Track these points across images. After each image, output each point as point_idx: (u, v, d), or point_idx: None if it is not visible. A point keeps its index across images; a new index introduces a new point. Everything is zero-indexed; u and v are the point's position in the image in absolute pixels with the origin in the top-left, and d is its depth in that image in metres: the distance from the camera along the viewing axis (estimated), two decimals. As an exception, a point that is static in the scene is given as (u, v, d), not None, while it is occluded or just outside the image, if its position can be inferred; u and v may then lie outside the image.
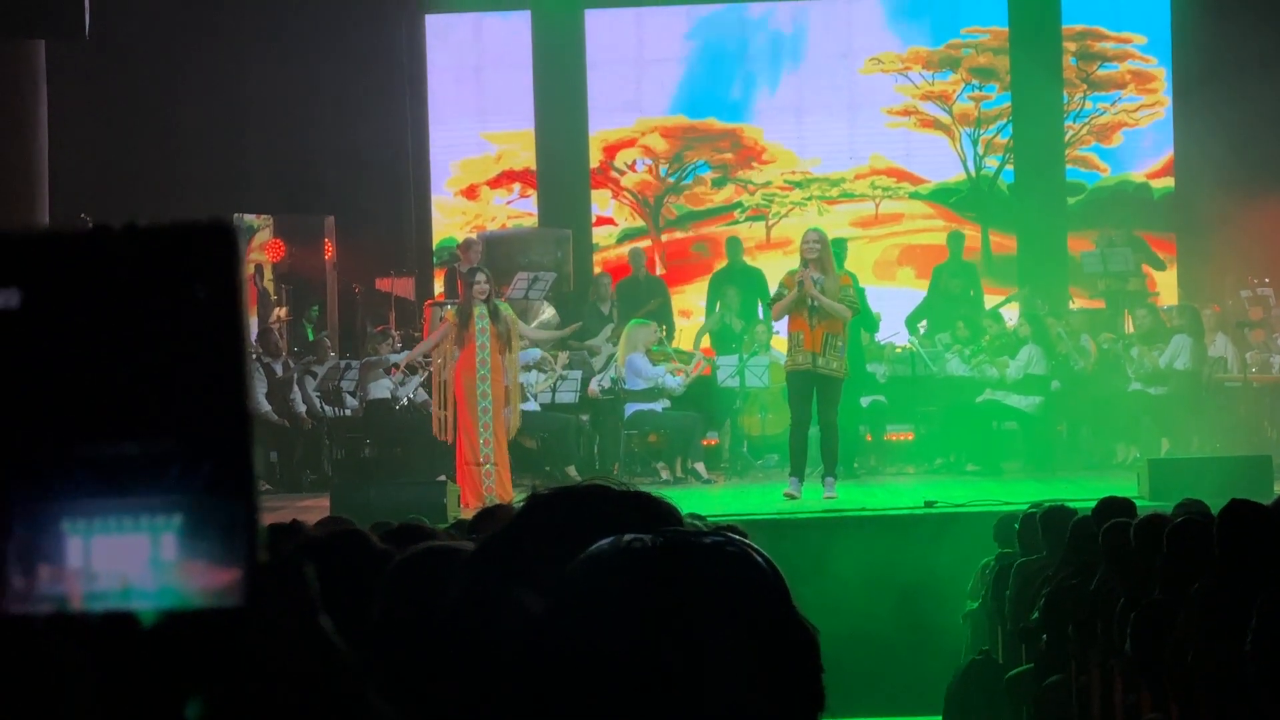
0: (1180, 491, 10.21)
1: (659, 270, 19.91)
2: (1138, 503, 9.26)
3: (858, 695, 10.17)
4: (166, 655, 1.19)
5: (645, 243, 20.18)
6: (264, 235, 19.16)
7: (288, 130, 19.47)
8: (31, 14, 13.91)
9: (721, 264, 18.91)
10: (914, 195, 20.59)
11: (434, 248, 20.67)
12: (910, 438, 16.88)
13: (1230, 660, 5.91)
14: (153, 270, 1.18)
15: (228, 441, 1.18)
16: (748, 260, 19.00)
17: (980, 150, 20.56)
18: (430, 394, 16.14)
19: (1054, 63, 20.38)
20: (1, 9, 13.73)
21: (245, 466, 1.18)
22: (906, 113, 20.60)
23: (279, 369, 16.84)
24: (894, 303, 18.04)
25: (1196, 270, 19.58)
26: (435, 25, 20.81)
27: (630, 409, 15.82)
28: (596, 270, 19.73)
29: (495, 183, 20.87)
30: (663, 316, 17.54)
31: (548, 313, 17.64)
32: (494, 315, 13.69)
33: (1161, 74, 20.45)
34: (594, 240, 20.64)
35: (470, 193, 20.88)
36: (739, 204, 20.73)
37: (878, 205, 20.63)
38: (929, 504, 12.88)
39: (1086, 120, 20.51)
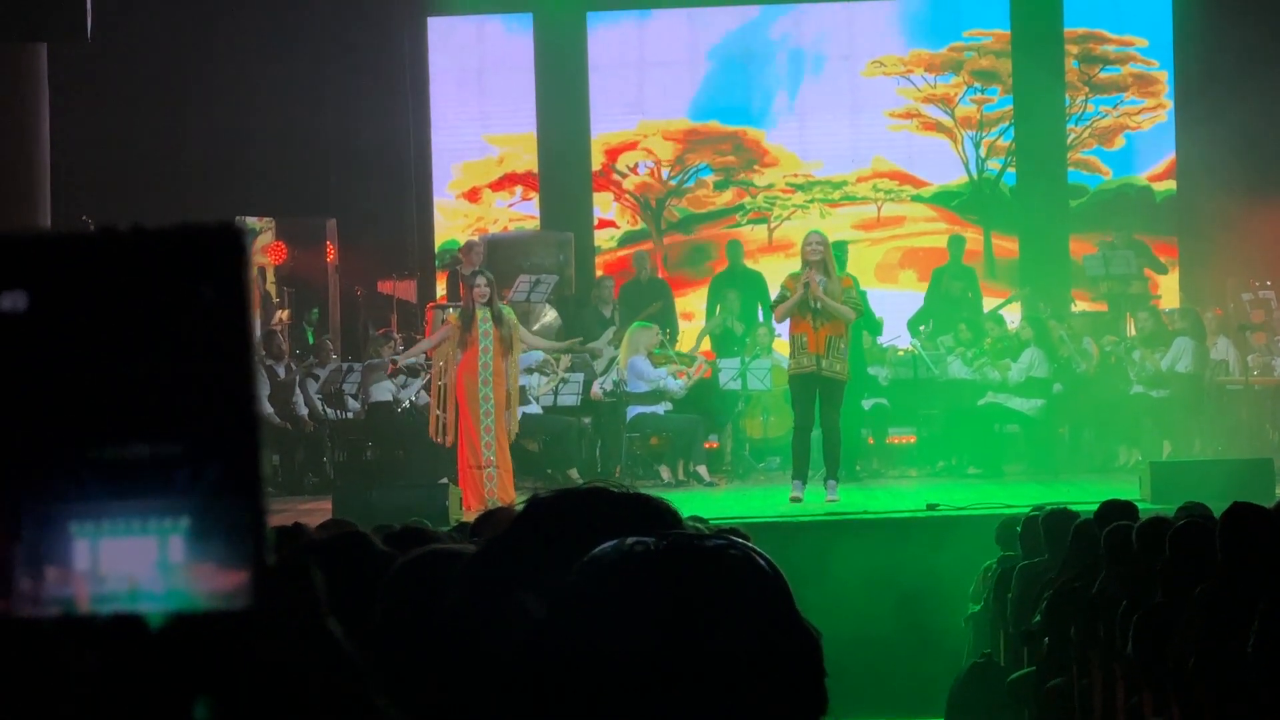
0: (1182, 494, 10.21)
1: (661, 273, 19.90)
2: (1140, 505, 9.26)
3: (860, 698, 10.16)
4: (174, 657, 1.19)
5: (647, 246, 20.18)
6: (266, 238, 19.17)
7: (290, 132, 19.48)
8: (34, 17, 13.91)
9: (722, 267, 18.91)
10: (916, 198, 20.58)
11: (436, 250, 20.67)
12: (912, 440, 16.87)
13: (1232, 663, 5.91)
14: (159, 272, 1.18)
15: (235, 444, 1.18)
16: (750, 263, 19.00)
17: (982, 153, 20.56)
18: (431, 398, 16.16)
19: (1056, 66, 20.37)
20: (3, 12, 13.73)
21: (253, 469, 1.18)
22: (909, 115, 20.60)
23: (281, 371, 16.85)
24: (896, 305, 18.02)
25: (1198, 273, 19.58)
26: (437, 28, 20.82)
27: (632, 411, 15.82)
28: (598, 273, 19.74)
29: (497, 185, 20.87)
30: (666, 319, 17.53)
31: (549, 315, 17.64)
32: (497, 319, 13.69)
33: (1163, 77, 20.45)
34: (596, 243, 20.64)
35: (472, 195, 20.88)
36: (741, 207, 20.73)
37: (880, 208, 20.63)
38: (931, 507, 12.88)
39: (1088, 123, 20.51)
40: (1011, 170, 20.52)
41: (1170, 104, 20.36)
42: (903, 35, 20.60)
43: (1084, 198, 20.49)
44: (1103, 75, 20.53)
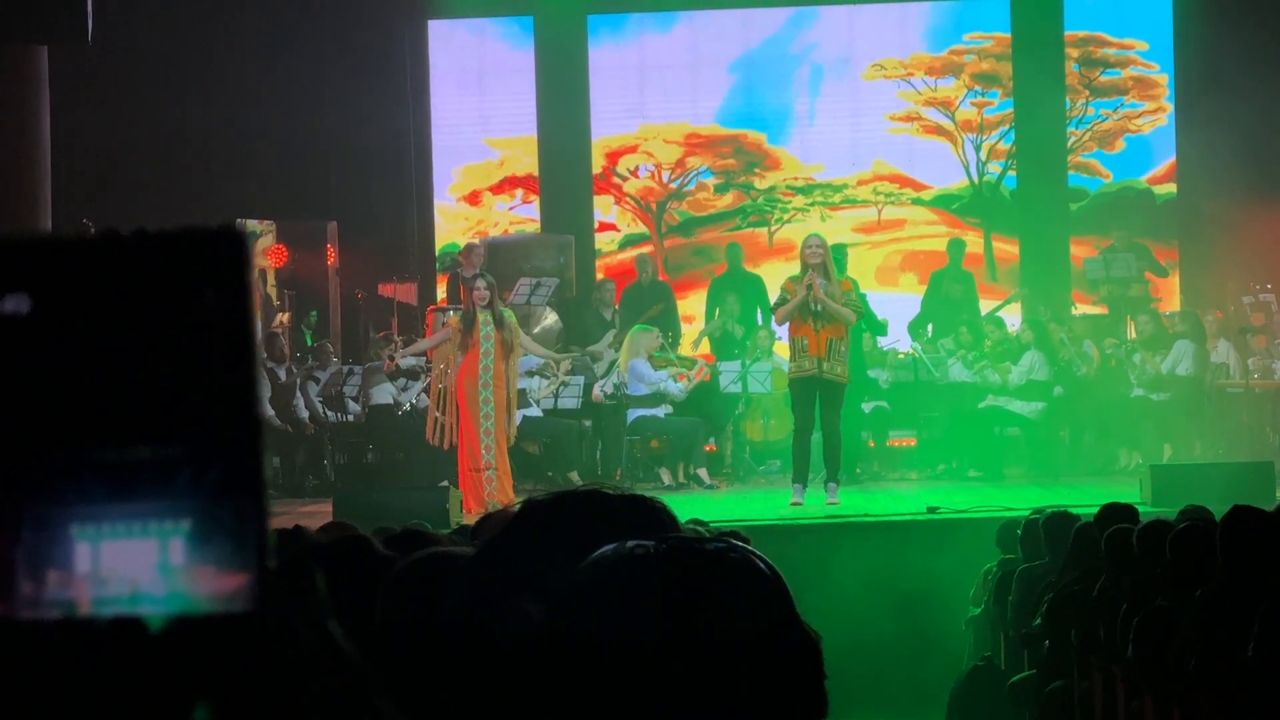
0: (1182, 497, 10.22)
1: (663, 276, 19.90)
2: (1140, 508, 9.26)
3: (860, 701, 10.16)
4: (175, 660, 1.19)
5: (648, 248, 20.18)
6: (267, 240, 19.17)
7: (290, 135, 19.49)
8: (34, 20, 13.92)
9: (722, 270, 18.91)
10: (917, 201, 20.59)
11: (436, 253, 20.68)
12: (913, 443, 16.88)
13: (1233, 666, 5.91)
14: (161, 276, 1.18)
15: (237, 446, 1.18)
16: (750, 266, 19.00)
17: (983, 156, 20.56)
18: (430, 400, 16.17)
19: (1056, 69, 20.38)
20: (4, 15, 13.74)
21: (255, 471, 1.18)
22: (909, 119, 20.61)
23: (283, 374, 16.85)
24: (897, 308, 18.01)
25: (1199, 276, 19.59)
26: (438, 31, 20.82)
27: (632, 414, 15.82)
28: (599, 276, 19.74)
29: (498, 188, 20.88)
30: (668, 322, 17.53)
31: (550, 318, 17.65)
32: (499, 322, 13.70)
33: (1164, 80, 20.46)
34: (596, 246, 20.64)
35: (473, 198, 20.89)
36: (741, 210, 20.73)
37: (880, 211, 20.63)
38: (931, 510, 12.88)
39: (1089, 126, 20.52)
40: (1012, 173, 20.53)
41: (1170, 107, 20.36)
42: (903, 38, 20.59)
43: (1084, 201, 20.50)
44: (1103, 78, 20.53)
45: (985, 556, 10.75)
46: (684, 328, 18.41)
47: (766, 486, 15.64)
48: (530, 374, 15.65)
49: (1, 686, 1.18)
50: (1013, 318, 17.80)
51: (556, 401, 15.99)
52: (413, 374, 16.78)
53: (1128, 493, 12.15)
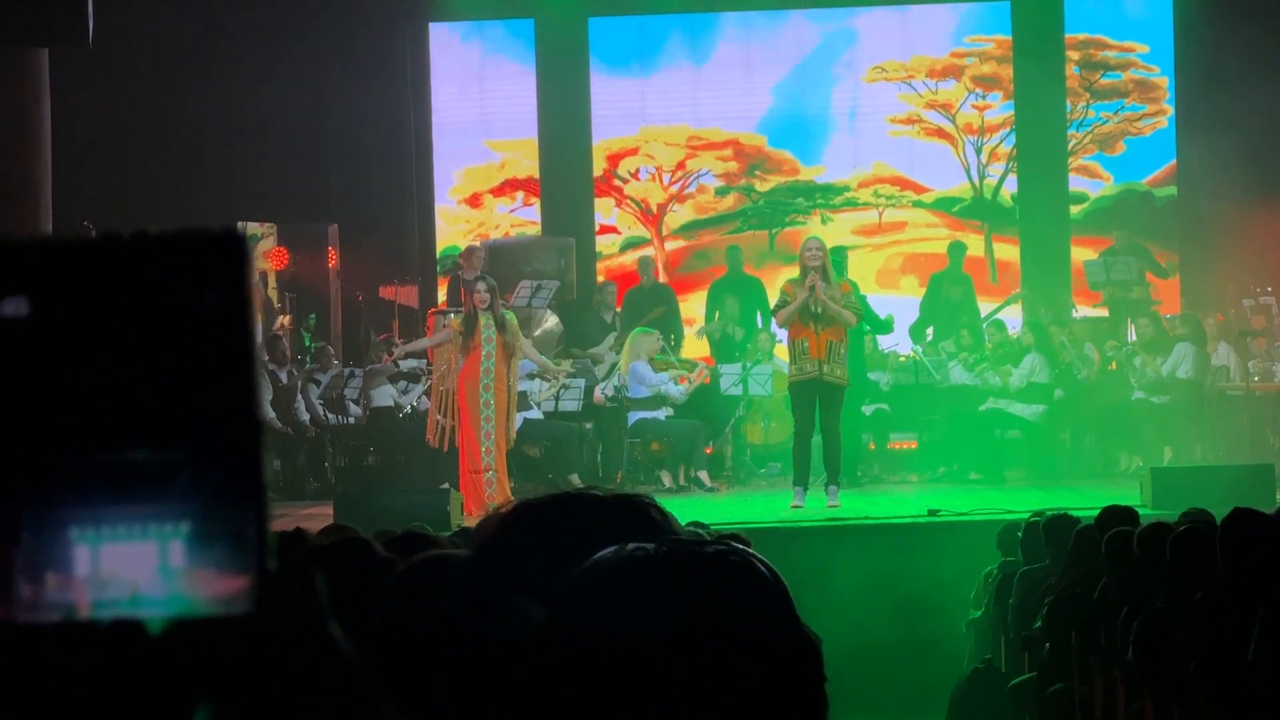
0: (1183, 500, 10.22)
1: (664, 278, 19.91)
2: (1140, 511, 9.26)
3: (860, 704, 10.16)
4: (175, 663, 1.19)
5: (649, 251, 20.18)
6: (268, 243, 19.17)
7: (292, 138, 19.49)
8: (35, 22, 13.92)
9: (722, 273, 18.92)
10: (917, 204, 20.59)
11: (437, 256, 20.69)
12: (913, 446, 16.88)
13: (1233, 669, 5.91)
14: (161, 278, 1.18)
15: (238, 448, 1.18)
16: (751, 269, 19.01)
17: (983, 159, 20.57)
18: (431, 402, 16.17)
19: (1057, 72, 20.38)
20: (5, 17, 13.74)
21: (255, 474, 1.18)
22: (910, 121, 20.61)
23: (284, 377, 16.86)
24: (896, 311, 18.00)
25: (1199, 279, 19.59)
26: (439, 34, 20.83)
27: (633, 417, 15.83)
28: (600, 278, 19.75)
29: (499, 191, 20.88)
30: (669, 325, 17.53)
31: (550, 321, 17.65)
32: (500, 324, 13.70)
33: (1164, 83, 20.46)
34: (597, 248, 20.65)
35: (474, 201, 20.89)
36: (742, 213, 20.74)
37: (881, 214, 20.64)
38: (932, 512, 12.87)
39: (1089, 129, 20.52)
40: (1013, 176, 20.53)
41: (1171, 110, 20.37)
42: (904, 41, 20.60)
43: (1085, 204, 20.51)
44: (1104, 81, 20.54)
45: (986, 559, 10.75)
46: (685, 330, 18.41)
47: (767, 489, 15.63)
48: (531, 376, 15.66)
49: (2, 689, 1.18)
50: (1013, 320, 17.79)
51: (557, 404, 16.00)
52: (413, 376, 16.79)
53: (1128, 495, 12.15)
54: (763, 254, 20.33)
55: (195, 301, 1.18)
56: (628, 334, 16.47)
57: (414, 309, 19.23)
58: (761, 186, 20.69)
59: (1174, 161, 20.30)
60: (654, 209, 20.82)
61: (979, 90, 20.58)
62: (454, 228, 20.86)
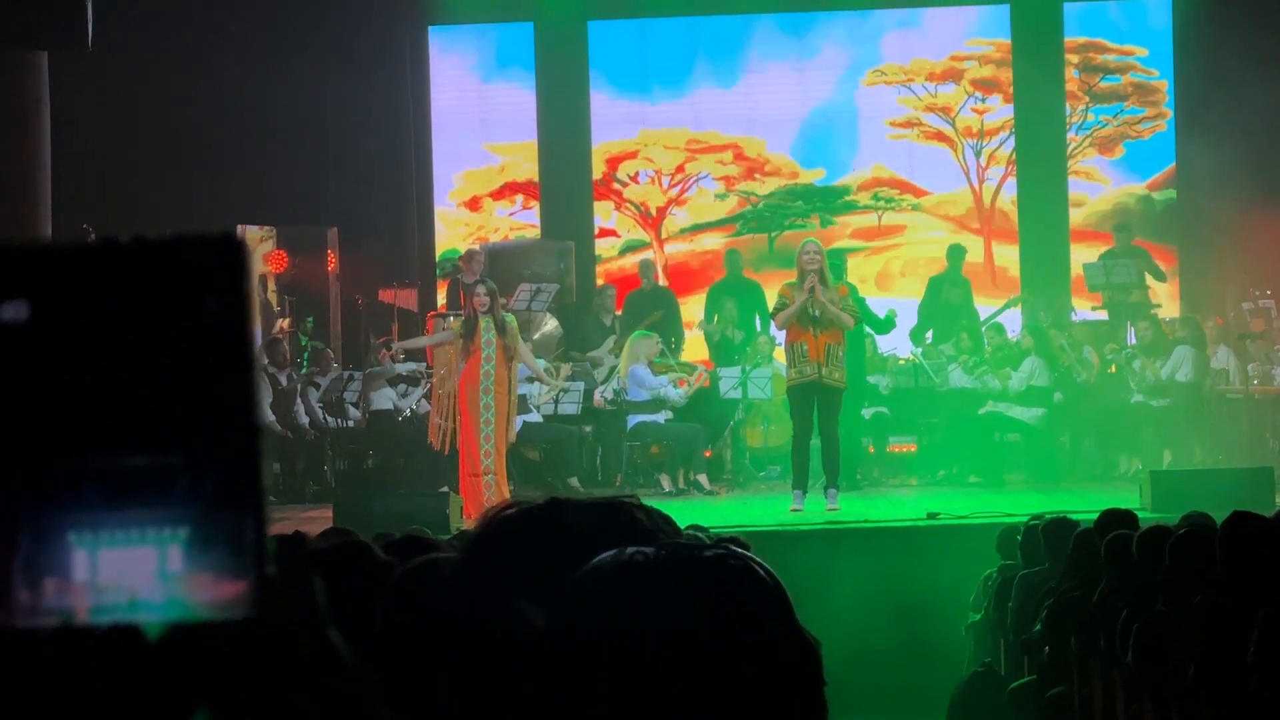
0: (1182, 503, 10.21)
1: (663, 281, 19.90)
2: (1140, 514, 9.26)
3: (860, 707, 10.15)
4: (173, 668, 1.19)
5: (648, 254, 20.18)
6: (267, 246, 19.17)
7: (291, 141, 19.49)
8: (35, 25, 13.92)
9: (721, 276, 18.92)
10: (916, 207, 20.60)
11: (437, 259, 20.68)
12: (913, 449, 16.88)
13: (1232, 672, 5.91)
14: (160, 283, 1.18)
15: (236, 453, 1.18)
16: (750, 272, 19.01)
17: (983, 162, 20.57)
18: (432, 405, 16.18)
19: (1056, 75, 20.39)
20: (5, 20, 13.74)
21: (254, 478, 1.18)
22: (909, 125, 20.61)
23: (284, 380, 16.86)
24: (896, 313, 17.99)
25: (1198, 282, 19.59)
26: (439, 37, 20.83)
27: (632, 420, 15.83)
28: (599, 281, 19.75)
29: (498, 194, 20.88)
30: (670, 328, 17.53)
31: (550, 324, 17.66)
32: (500, 328, 13.71)
33: (1163, 86, 20.47)
34: (596, 252, 20.65)
35: (473, 204, 20.89)
36: (742, 216, 20.74)
37: (880, 217, 20.64)
38: (931, 516, 12.88)
39: (1089, 132, 20.52)
40: (1012, 179, 20.53)
41: (1170, 113, 20.37)
42: (904, 44, 20.60)
43: (1084, 207, 20.51)
44: (1103, 84, 20.54)
45: (985, 562, 10.75)
46: (686, 334, 18.41)
47: (766, 492, 15.63)
48: (530, 379, 15.66)
49: (1, 694, 1.18)
50: (1013, 323, 17.78)
51: (557, 407, 16.01)
52: (413, 380, 16.80)
53: (1127, 498, 12.15)
54: (762, 257, 20.33)
55: (194, 306, 1.18)
56: (627, 337, 16.47)
57: (413, 312, 19.23)
58: (761, 190, 20.69)
59: (1173, 165, 20.30)
60: (653, 212, 20.82)
61: (978, 93, 20.59)
62: (453, 231, 20.86)
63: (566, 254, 19.28)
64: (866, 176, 20.61)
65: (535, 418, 15.68)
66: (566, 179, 20.60)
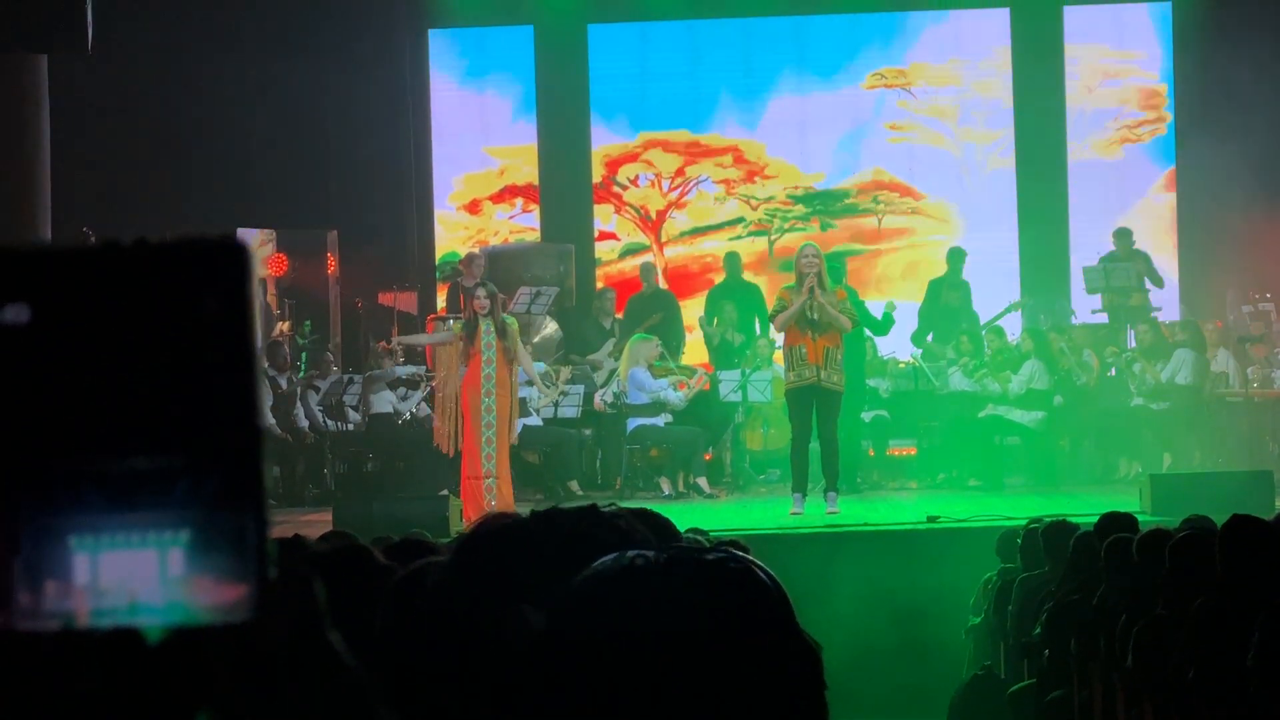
0: (1182, 506, 10.21)
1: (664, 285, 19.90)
2: (1140, 518, 9.26)
3: (860, 710, 10.15)
4: (174, 671, 1.19)
5: (649, 257, 20.18)
6: (267, 249, 19.17)
7: (291, 144, 19.49)
8: (34, 28, 13.92)
9: (721, 279, 18.92)
10: (916, 211, 20.59)
11: (436, 262, 20.68)
12: (913, 452, 16.87)
13: (1232, 675, 5.91)
14: (162, 285, 1.18)
15: (238, 456, 1.18)
16: (751, 275, 19.01)
17: (983, 166, 20.56)
18: (432, 408, 16.17)
19: (1056, 79, 20.39)
20: (4, 23, 13.74)
21: (255, 481, 1.18)
22: (910, 128, 20.61)
23: (284, 383, 16.86)
24: (898, 317, 17.98)
25: (1198, 285, 19.58)
26: (439, 40, 20.84)
27: (632, 423, 15.82)
28: (599, 285, 19.75)
29: (498, 197, 20.88)
30: (670, 331, 17.53)
31: (550, 327, 17.66)
32: (501, 331, 13.71)
33: (1163, 90, 20.47)
34: (596, 255, 20.65)
35: (473, 207, 20.89)
36: (741, 219, 20.74)
37: (880, 220, 20.64)
38: (931, 519, 12.88)
39: (1089, 136, 20.52)
40: (1012, 182, 20.53)
41: (1170, 117, 20.37)
42: (904, 48, 20.61)
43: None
44: (1103, 89, 20.54)
45: (985, 565, 10.75)
46: (687, 337, 18.40)
47: (766, 496, 15.63)
48: (529, 383, 15.67)
49: (1, 698, 1.18)
50: (1013, 326, 17.78)
51: (556, 410, 16.01)
52: (413, 383, 16.80)
53: (1127, 502, 12.15)
54: (762, 261, 20.33)
55: (196, 309, 1.18)
56: (627, 340, 16.47)
57: (413, 315, 19.22)
58: (761, 193, 20.69)
59: (1173, 168, 20.30)
60: (653, 215, 20.82)
61: (978, 97, 20.59)
62: (453, 234, 20.86)
63: (566, 257, 19.28)
64: (866, 180, 20.61)
65: (535, 421, 15.68)
66: (566, 182, 20.61)
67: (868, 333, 15.88)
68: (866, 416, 16.21)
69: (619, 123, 20.76)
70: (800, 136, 20.66)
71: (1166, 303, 18.72)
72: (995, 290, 18.64)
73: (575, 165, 20.62)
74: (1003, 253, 20.24)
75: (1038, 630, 8.53)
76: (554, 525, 1.93)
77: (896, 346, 17.56)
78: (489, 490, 13.57)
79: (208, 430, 1.18)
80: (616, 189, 20.84)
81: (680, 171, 20.78)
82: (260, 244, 19.02)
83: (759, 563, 1.67)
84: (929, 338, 17.67)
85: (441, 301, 19.16)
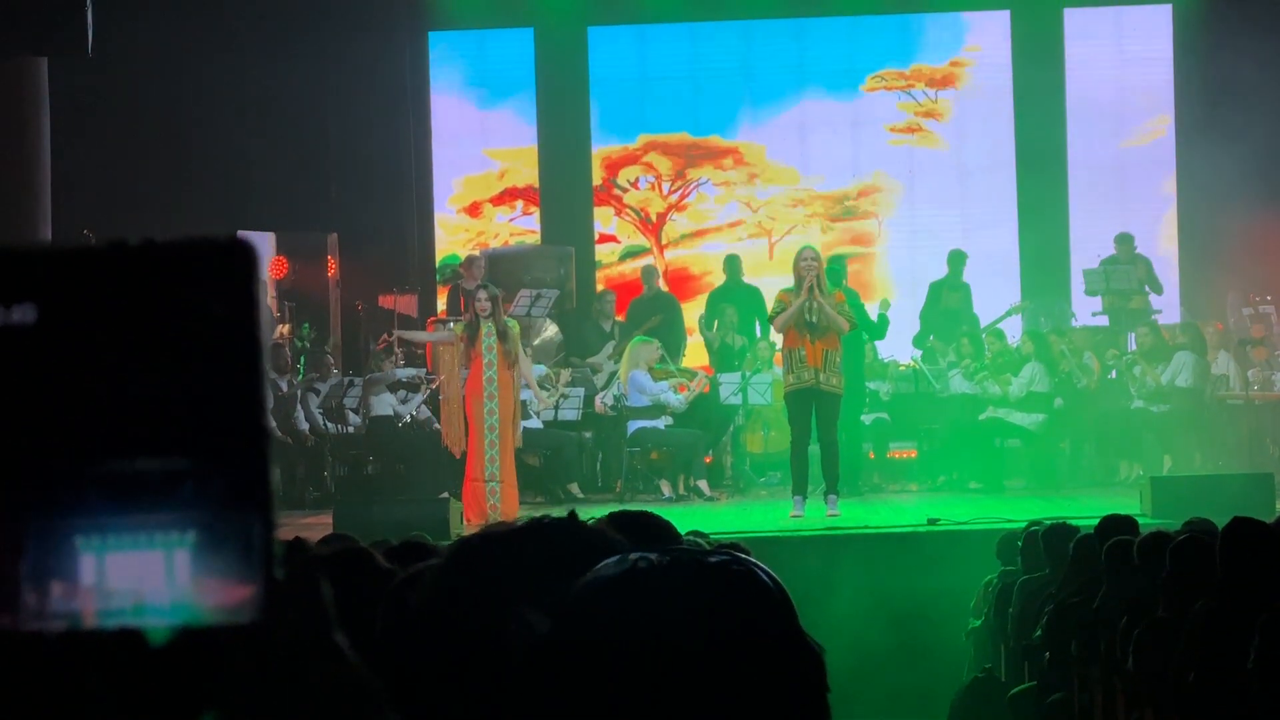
0: (1183, 509, 10.21)
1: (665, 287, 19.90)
2: (1140, 520, 9.26)
3: (860, 712, 10.15)
4: (181, 673, 1.19)
5: (650, 260, 20.18)
6: (267, 252, 19.17)
7: (291, 146, 19.50)
8: (35, 32, 13.93)
9: (721, 282, 18.91)
10: (915, 212, 20.59)
11: (437, 265, 20.69)
12: (913, 455, 16.87)
13: (1233, 678, 5.91)
14: (169, 286, 1.18)
15: (244, 457, 1.18)
16: (751, 278, 19.00)
17: (984, 168, 20.56)
18: (432, 411, 16.19)
19: (1056, 80, 20.39)
20: (4, 27, 13.75)
21: (262, 482, 1.18)
22: (910, 130, 20.62)
23: (284, 386, 16.86)
24: (898, 319, 17.98)
25: (1199, 287, 19.58)
26: (439, 42, 20.84)
27: (633, 426, 15.82)
28: (599, 287, 19.76)
29: (498, 200, 20.89)
30: (671, 333, 17.53)
31: (550, 330, 17.66)
32: (502, 334, 13.71)
33: (1164, 92, 20.46)
34: (596, 257, 20.65)
35: (473, 210, 20.89)
36: (742, 222, 20.74)
37: (880, 222, 20.64)
38: (932, 521, 12.88)
39: (1089, 138, 20.52)
40: (1012, 184, 20.53)
41: (1171, 119, 20.37)
42: (904, 50, 20.61)
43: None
44: (1103, 90, 20.54)
45: (985, 568, 10.75)
46: (688, 339, 18.41)
47: (767, 498, 15.63)
48: (526, 386, 15.67)
49: (6, 699, 1.18)
50: (1013, 329, 17.78)
51: (557, 413, 16.00)
52: (413, 386, 16.80)
53: (1128, 504, 12.14)
54: (762, 263, 20.33)
55: (202, 310, 1.18)
56: (627, 342, 16.47)
57: (413, 318, 19.22)
58: (761, 195, 20.69)
59: (1174, 170, 20.30)
60: (653, 218, 20.82)
61: (979, 99, 20.59)
62: (453, 237, 20.86)
63: (566, 259, 19.29)
64: (867, 182, 20.61)
65: (535, 424, 15.68)
66: (566, 184, 20.61)
67: (866, 335, 15.87)
68: (867, 419, 16.21)
69: (619, 125, 20.76)
70: (800, 139, 20.66)
71: (1167, 305, 18.72)
72: (996, 292, 18.66)
73: (575, 168, 20.63)
74: (1003, 255, 20.24)
75: (1038, 633, 8.53)
76: (538, 534, 1.93)
77: (897, 349, 17.57)
78: (492, 493, 13.57)
79: (214, 431, 1.18)
80: (617, 191, 20.84)
81: (681, 174, 20.79)
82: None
83: (762, 565, 1.67)
84: (930, 340, 17.67)
85: (442, 304, 19.16)
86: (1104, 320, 18.24)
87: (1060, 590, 8.49)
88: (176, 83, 18.98)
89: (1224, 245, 19.14)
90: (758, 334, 17.35)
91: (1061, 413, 16.20)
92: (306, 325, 18.89)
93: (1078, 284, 19.20)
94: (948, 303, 17.91)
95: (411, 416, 16.55)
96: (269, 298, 18.99)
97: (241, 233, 15.50)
